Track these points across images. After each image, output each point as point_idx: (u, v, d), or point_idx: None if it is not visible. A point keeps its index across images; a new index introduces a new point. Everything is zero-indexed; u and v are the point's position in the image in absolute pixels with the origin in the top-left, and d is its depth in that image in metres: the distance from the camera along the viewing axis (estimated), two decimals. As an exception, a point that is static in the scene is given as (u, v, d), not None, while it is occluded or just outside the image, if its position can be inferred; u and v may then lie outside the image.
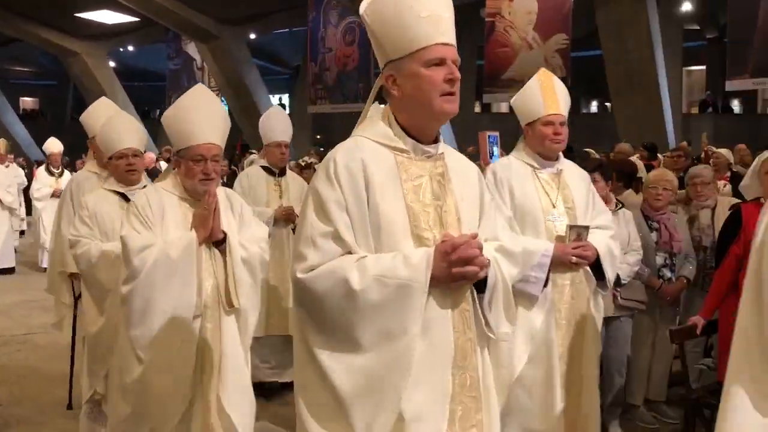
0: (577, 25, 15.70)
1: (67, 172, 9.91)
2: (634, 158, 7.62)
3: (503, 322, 1.95)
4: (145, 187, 3.59)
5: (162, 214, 2.82)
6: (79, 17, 21.41)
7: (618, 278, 4.04)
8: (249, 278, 2.89)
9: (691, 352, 4.40)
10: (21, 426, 4.37)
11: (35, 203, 9.77)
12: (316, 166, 7.20)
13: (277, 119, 5.22)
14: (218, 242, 2.84)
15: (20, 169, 12.20)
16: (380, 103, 2.02)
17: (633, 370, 4.41)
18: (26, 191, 11.33)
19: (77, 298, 4.26)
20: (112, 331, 3.28)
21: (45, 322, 6.84)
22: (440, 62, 1.83)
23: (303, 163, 10.07)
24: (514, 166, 3.18)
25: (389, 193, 1.81)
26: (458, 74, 1.86)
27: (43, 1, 20.51)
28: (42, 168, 10.00)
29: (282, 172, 5.15)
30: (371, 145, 1.87)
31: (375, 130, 1.92)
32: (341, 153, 1.85)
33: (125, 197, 3.59)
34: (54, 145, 9.78)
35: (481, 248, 1.78)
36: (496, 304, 1.92)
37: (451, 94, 1.85)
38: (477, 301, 1.90)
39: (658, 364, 4.50)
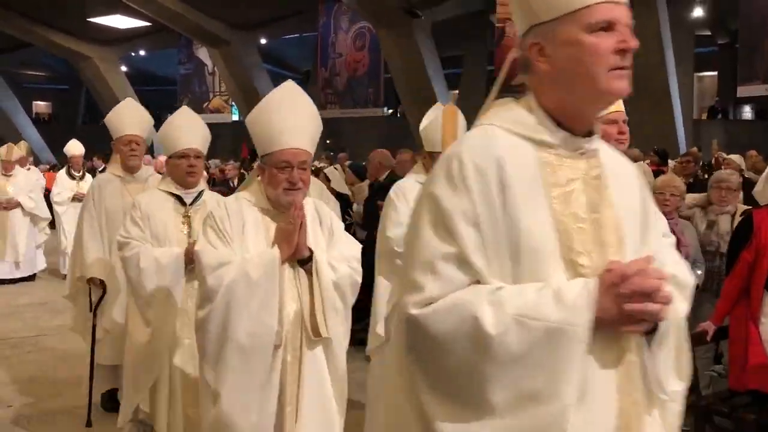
0: (587, 30, 15.68)
1: (88, 176, 9.61)
2: (644, 164, 7.59)
3: (673, 376, 1.45)
4: (202, 191, 3.47)
5: (242, 228, 2.51)
6: (92, 22, 21.62)
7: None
8: (339, 303, 2.55)
9: (702, 359, 4.37)
10: (30, 427, 4.39)
11: (56, 207, 9.45)
12: (326, 171, 7.21)
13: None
14: (303, 261, 2.51)
15: (40, 173, 11.78)
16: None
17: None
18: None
19: (96, 304, 4.13)
20: (160, 343, 3.14)
21: (56, 324, 6.88)
22: (609, 26, 1.39)
23: (312, 168, 10.10)
24: None
25: (532, 202, 1.36)
26: (634, 42, 1.43)
27: (56, 6, 20.72)
28: (63, 171, 9.71)
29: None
30: (506, 138, 1.41)
31: (510, 116, 1.46)
32: (467, 148, 1.39)
33: (181, 200, 3.40)
34: (75, 148, 9.56)
35: (662, 278, 1.31)
36: (667, 354, 1.42)
37: (623, 68, 1.43)
38: (645, 351, 1.40)
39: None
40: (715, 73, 22.74)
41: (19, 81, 31.24)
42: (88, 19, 21.49)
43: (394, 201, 3.42)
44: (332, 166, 8.69)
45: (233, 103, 23.75)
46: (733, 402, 3.54)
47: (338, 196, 6.99)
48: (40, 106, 35.73)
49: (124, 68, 26.67)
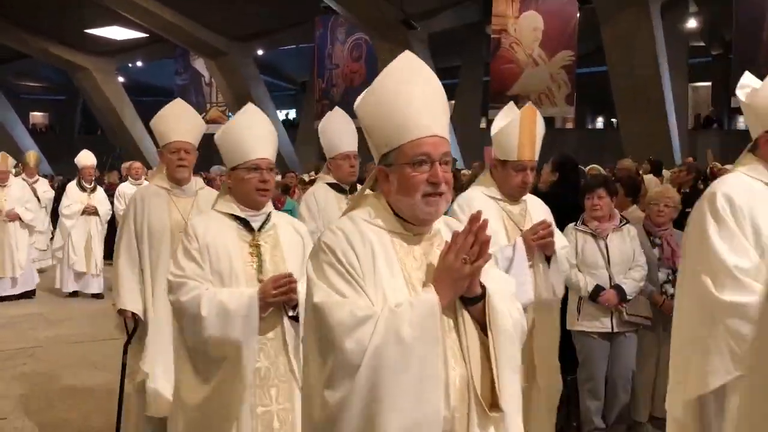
0: (582, 41, 15.78)
1: (99, 188, 9.34)
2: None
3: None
4: (270, 214, 2.77)
5: (373, 263, 1.75)
6: (89, 33, 21.67)
7: (624, 294, 4.05)
8: (517, 361, 1.81)
9: None
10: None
11: (64, 221, 8.89)
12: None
13: (339, 125, 4.12)
14: (470, 300, 1.77)
15: (47, 183, 11.27)
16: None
17: (638, 386, 4.39)
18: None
19: (127, 341, 3.67)
20: (220, 405, 2.52)
21: (50, 335, 6.85)
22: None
23: (308, 179, 10.13)
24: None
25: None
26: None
27: (53, 17, 20.77)
28: (73, 183, 9.17)
29: (353, 188, 4.08)
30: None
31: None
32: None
33: (248, 225, 2.71)
34: (87, 158, 9.06)
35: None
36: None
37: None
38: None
39: (664, 380, 4.47)
40: (710, 83, 22.85)
41: (16, 92, 31.26)
42: (86, 31, 21.56)
43: (458, 214, 3.04)
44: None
45: (230, 113, 23.80)
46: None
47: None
48: (37, 116, 35.71)
49: (121, 79, 26.71)
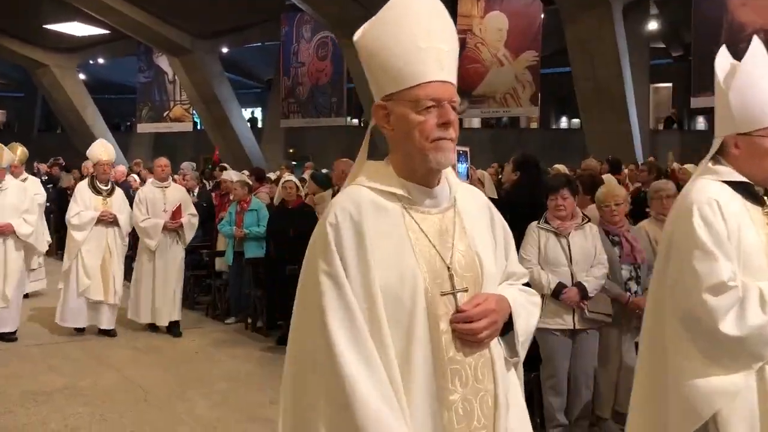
0: (547, 42, 15.96)
1: (118, 190, 7.22)
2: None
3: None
4: None
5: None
6: (48, 29, 21.17)
7: (585, 292, 4.10)
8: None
9: None
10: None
11: (73, 234, 6.76)
12: (291, 179, 7.18)
13: None
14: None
15: (39, 183, 9.01)
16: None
17: (601, 382, 4.46)
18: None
19: None
20: None
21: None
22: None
23: (274, 178, 10.06)
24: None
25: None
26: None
27: (11, 13, 20.23)
28: (84, 184, 7.07)
29: None
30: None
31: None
32: None
33: None
34: (102, 152, 7.02)
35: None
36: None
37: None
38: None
39: (627, 376, 4.55)
40: (670, 84, 23.30)
41: (-29, 89, 30.47)
42: (45, 26, 21.04)
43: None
44: (293, 176, 8.64)
45: (194, 111, 23.50)
46: None
47: (304, 206, 6.98)
48: (-6, 114, 34.82)
49: (82, 76, 26.18)
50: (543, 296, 4.19)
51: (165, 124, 23.73)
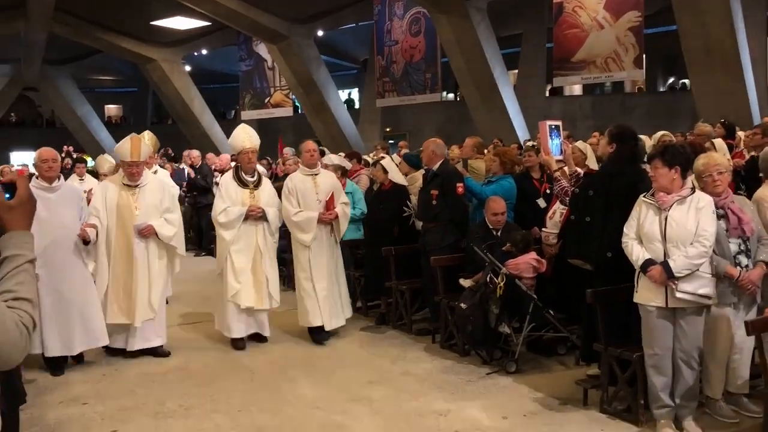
0: (649, 0, 15.10)
1: (266, 181, 6.42)
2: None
3: None
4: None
5: None
6: (155, 25, 22.24)
7: (671, 271, 3.85)
8: None
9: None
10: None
11: (222, 233, 5.98)
12: (383, 163, 7.19)
13: None
14: None
15: (168, 175, 8.81)
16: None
17: (711, 362, 4.23)
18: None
19: None
20: None
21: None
22: None
23: (371, 159, 10.04)
24: None
25: None
26: None
27: (120, 12, 21.40)
28: (228, 175, 6.26)
29: None
30: None
31: None
32: None
33: None
34: (245, 138, 6.05)
35: None
36: None
37: None
38: None
39: (739, 355, 4.30)
40: (792, 35, 21.52)
41: (91, 86, 32.52)
42: (151, 23, 22.12)
43: None
44: (389, 157, 8.64)
45: (293, 96, 24.02)
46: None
47: (397, 187, 6.98)
48: (112, 109, 37.08)
49: (188, 68, 27.33)
50: (638, 271, 4.03)
51: (267, 111, 24.42)
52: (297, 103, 24.92)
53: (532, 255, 5.36)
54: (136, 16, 21.61)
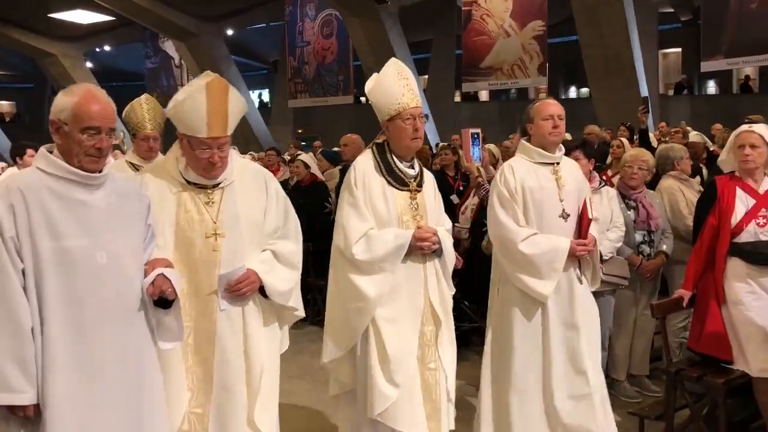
0: (553, 11, 15.81)
1: (428, 174, 5.18)
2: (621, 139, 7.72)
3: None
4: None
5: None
6: (53, 18, 21.22)
7: (600, 254, 4.12)
8: None
9: (674, 326, 4.50)
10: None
11: (358, 281, 3.12)
12: (302, 158, 7.21)
13: None
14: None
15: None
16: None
17: (616, 345, 4.51)
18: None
19: None
20: None
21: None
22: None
23: (289, 157, 10.06)
24: None
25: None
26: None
27: (17, 2, 20.28)
28: (367, 161, 3.22)
29: None
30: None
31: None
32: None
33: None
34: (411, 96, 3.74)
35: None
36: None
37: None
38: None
39: (640, 339, 4.61)
40: (679, 49, 23.06)
41: (-19, 81, 30.67)
42: (50, 15, 21.09)
43: None
44: (308, 153, 8.65)
45: (202, 95, 23.53)
46: (703, 368, 3.64)
47: (316, 183, 7.01)
48: (4, 105, 35.05)
49: (89, 64, 26.25)
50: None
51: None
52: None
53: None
54: (34, 7, 20.55)
